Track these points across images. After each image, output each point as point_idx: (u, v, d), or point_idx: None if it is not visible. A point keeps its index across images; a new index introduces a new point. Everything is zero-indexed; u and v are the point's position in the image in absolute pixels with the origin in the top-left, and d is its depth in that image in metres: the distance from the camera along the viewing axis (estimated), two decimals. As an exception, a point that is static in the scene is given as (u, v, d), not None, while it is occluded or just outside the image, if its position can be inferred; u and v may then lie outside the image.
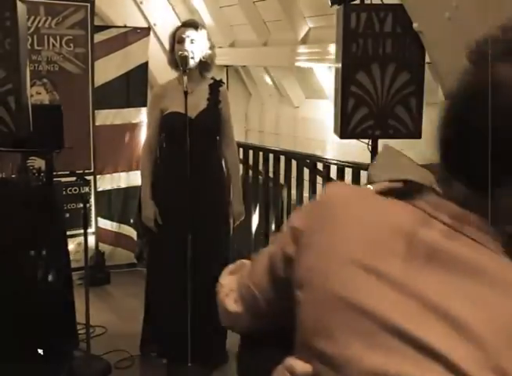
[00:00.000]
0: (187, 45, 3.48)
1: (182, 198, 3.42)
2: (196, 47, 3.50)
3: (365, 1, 3.29)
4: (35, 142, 3.40)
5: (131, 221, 5.36)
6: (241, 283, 1.10)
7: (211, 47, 3.59)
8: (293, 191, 4.38)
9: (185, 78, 3.34)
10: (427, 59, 3.21)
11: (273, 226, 4.66)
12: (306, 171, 4.27)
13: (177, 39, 3.54)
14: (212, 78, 3.68)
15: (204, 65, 3.58)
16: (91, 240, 4.92)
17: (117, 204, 5.35)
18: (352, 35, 3.18)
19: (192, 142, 3.35)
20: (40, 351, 3.39)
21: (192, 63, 3.46)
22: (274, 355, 0.99)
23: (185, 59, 3.41)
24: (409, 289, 0.81)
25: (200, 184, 3.46)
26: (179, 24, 3.70)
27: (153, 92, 3.73)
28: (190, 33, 3.52)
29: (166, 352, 3.70)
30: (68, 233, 4.02)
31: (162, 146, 3.69)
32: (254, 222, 4.89)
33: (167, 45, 3.81)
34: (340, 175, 3.99)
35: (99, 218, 5.24)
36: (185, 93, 3.31)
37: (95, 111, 5.06)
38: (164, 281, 3.65)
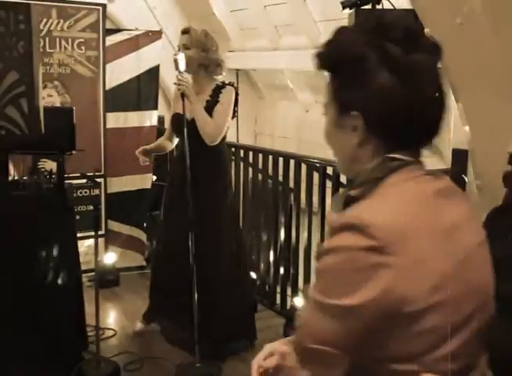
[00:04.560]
0: (181, 50, 3.67)
1: (180, 195, 3.63)
2: (189, 52, 3.65)
3: (377, 6, 3.29)
4: (47, 145, 3.42)
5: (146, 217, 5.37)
6: None
7: (206, 50, 3.70)
8: (303, 195, 4.38)
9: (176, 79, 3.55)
10: (438, 64, 3.21)
11: (282, 231, 4.66)
12: (316, 175, 4.27)
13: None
14: (223, 82, 3.74)
15: (207, 68, 3.71)
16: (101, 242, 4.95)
17: (128, 206, 5.36)
18: (363, 40, 3.18)
19: (189, 142, 3.51)
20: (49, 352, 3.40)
21: (183, 66, 3.55)
22: None
23: (175, 62, 3.54)
24: None
25: (194, 183, 3.56)
26: None
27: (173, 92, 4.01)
28: (182, 39, 3.72)
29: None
30: (78, 235, 4.03)
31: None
32: (262, 226, 4.89)
33: (178, 49, 3.88)
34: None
35: (109, 221, 5.26)
36: (182, 96, 3.52)
37: (107, 114, 5.08)
38: (165, 275, 3.91)
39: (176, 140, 3.92)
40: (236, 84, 3.86)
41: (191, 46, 3.67)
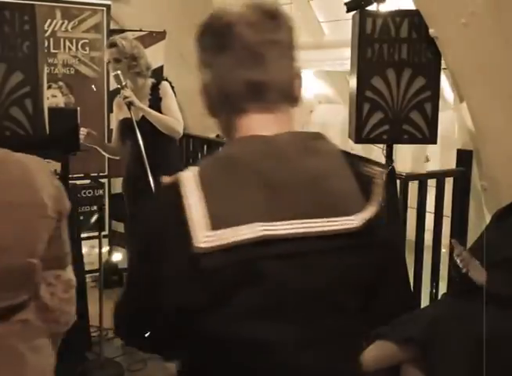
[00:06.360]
0: (112, 63, 3.83)
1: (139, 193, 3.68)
2: (122, 63, 3.80)
3: (381, 6, 3.28)
4: (51, 145, 3.43)
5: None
6: None
7: (136, 58, 3.84)
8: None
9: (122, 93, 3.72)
10: (443, 65, 3.21)
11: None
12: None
13: None
14: (156, 79, 3.96)
15: (140, 73, 3.88)
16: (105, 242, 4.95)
17: (131, 207, 5.35)
18: (368, 40, 3.18)
19: (144, 142, 3.59)
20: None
21: (124, 79, 3.73)
22: None
23: (116, 78, 3.72)
24: None
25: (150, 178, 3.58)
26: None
27: (114, 102, 4.13)
28: (112, 53, 3.82)
29: None
30: (82, 235, 4.04)
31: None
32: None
33: (182, 49, 3.88)
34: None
35: (113, 221, 5.26)
36: (129, 106, 3.64)
37: (111, 114, 5.08)
38: None
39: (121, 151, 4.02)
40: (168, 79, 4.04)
41: (122, 58, 3.81)
